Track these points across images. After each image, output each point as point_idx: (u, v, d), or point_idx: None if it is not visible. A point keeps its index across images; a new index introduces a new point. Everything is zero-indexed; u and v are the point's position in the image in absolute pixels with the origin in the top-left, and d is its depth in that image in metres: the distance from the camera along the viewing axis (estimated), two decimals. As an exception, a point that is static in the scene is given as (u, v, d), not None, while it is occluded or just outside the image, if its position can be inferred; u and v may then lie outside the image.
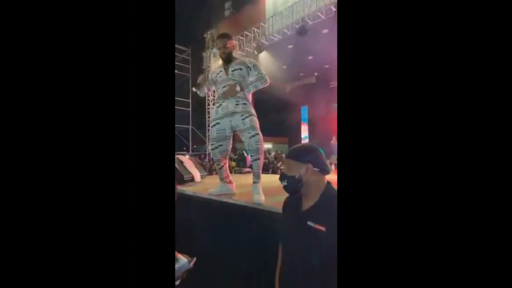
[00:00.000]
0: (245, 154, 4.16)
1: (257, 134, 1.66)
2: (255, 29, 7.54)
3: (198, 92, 1.91)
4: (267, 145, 13.76)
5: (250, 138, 1.65)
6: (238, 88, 1.67)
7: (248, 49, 7.53)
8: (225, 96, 1.72)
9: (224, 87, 1.73)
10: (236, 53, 7.00)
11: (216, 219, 1.64)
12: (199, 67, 10.40)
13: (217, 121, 1.76)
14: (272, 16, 7.27)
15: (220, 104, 1.75)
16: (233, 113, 1.70)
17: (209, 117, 10.61)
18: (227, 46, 1.75)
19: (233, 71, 1.74)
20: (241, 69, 1.74)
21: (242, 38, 7.69)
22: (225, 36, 1.78)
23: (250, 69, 1.74)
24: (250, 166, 4.08)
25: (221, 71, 1.77)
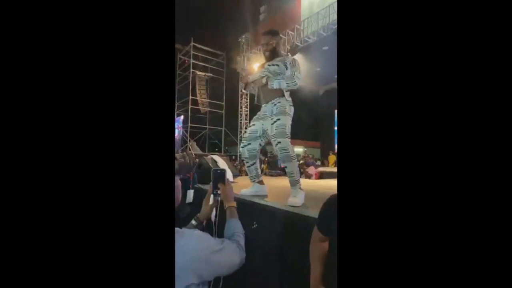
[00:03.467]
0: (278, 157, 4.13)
1: (281, 142, 1.56)
2: (290, 32, 7.51)
3: (246, 90, 1.88)
4: (298, 149, 13.54)
5: (276, 145, 1.59)
6: (264, 81, 1.59)
7: (282, 52, 7.53)
8: (262, 97, 1.66)
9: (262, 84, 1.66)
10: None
11: (247, 219, 1.63)
12: (233, 71, 10.66)
13: (253, 122, 1.75)
14: (307, 18, 7.18)
15: (261, 107, 1.72)
16: (266, 117, 1.66)
17: (241, 120, 10.79)
18: (269, 43, 1.67)
19: (268, 65, 1.65)
20: (278, 65, 1.62)
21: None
22: (269, 33, 1.68)
23: (287, 68, 1.62)
24: (282, 169, 4.05)
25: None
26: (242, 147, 1.78)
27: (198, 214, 1.00)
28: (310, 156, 8.17)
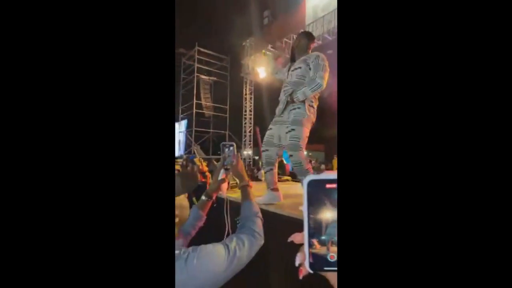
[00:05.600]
0: (284, 162, 4.11)
1: (293, 155, 1.47)
2: (294, 36, 7.52)
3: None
4: (302, 152, 13.41)
5: (289, 156, 1.51)
6: (288, 98, 1.52)
7: (287, 56, 7.56)
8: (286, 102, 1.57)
9: (284, 89, 1.59)
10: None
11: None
12: (237, 75, 10.69)
13: (271, 126, 1.66)
14: (312, 22, 7.20)
15: (281, 109, 1.62)
16: (282, 122, 1.58)
17: (245, 123, 10.77)
18: (299, 45, 1.62)
19: (292, 70, 1.55)
20: (300, 67, 1.51)
21: (281, 44, 7.72)
22: (304, 36, 1.62)
23: (310, 69, 1.48)
24: (290, 174, 4.00)
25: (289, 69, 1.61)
26: (262, 151, 1.71)
27: (208, 189, 0.96)
28: (313, 160, 8.11)
